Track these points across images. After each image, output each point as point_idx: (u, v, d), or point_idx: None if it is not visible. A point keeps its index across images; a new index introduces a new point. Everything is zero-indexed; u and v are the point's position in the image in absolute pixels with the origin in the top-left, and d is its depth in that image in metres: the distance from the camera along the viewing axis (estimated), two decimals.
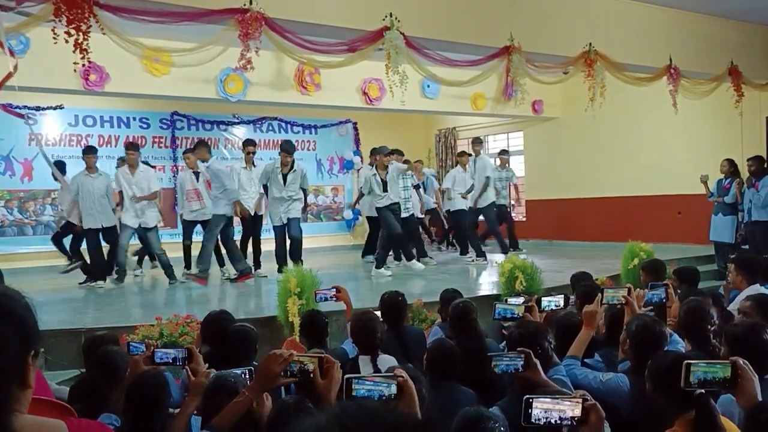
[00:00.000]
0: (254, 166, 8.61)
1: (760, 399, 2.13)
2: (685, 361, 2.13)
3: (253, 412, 2.24)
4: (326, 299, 4.59)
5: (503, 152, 10.65)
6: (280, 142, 8.67)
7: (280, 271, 7.54)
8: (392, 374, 1.95)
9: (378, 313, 3.95)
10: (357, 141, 13.55)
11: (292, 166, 8.08)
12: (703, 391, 2.14)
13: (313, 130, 13.06)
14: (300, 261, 7.15)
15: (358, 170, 13.54)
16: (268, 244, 8.61)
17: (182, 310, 5.86)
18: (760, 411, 2.00)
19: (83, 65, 4.99)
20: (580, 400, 2.04)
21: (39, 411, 1.20)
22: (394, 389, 1.91)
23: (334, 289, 4.59)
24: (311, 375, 2.20)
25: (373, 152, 9.02)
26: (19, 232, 10.24)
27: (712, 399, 2.20)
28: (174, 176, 11.13)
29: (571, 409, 2.03)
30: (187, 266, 8.54)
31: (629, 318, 3.25)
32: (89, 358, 3.47)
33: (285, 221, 8.06)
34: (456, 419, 2.16)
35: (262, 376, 2.22)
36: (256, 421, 2.26)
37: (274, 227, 8.19)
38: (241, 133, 12.34)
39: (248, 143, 8.65)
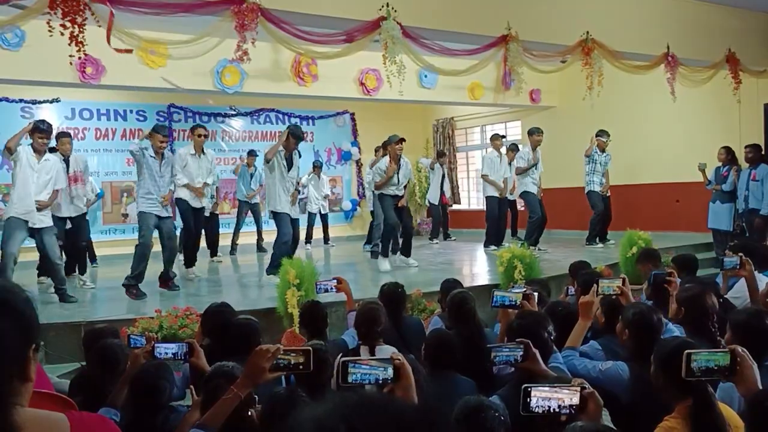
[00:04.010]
0: (203, 153, 7.93)
1: (760, 386, 2.14)
2: (686, 351, 2.13)
3: (243, 410, 2.22)
4: (327, 290, 4.58)
5: (512, 145, 10.57)
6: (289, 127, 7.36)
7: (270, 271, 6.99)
8: (389, 358, 1.96)
9: None
10: (355, 132, 13.53)
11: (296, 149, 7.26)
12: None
13: (310, 121, 13.03)
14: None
15: (357, 161, 13.53)
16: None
17: (181, 302, 5.87)
18: (762, 398, 2.01)
19: (79, 58, 4.97)
20: (579, 389, 2.05)
21: (40, 404, 1.20)
22: (390, 372, 1.91)
23: (335, 280, 4.58)
24: (300, 368, 2.20)
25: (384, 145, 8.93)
26: None
27: (710, 386, 2.21)
28: None
29: (569, 397, 2.04)
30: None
31: (624, 308, 3.26)
32: (89, 351, 3.47)
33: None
34: (457, 408, 2.17)
35: (250, 372, 2.19)
36: (246, 418, 2.25)
37: (283, 215, 7.08)
38: (238, 124, 12.32)
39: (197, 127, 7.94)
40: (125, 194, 11.15)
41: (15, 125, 10.15)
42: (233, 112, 12.07)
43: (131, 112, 11.28)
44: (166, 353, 2.80)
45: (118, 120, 11.18)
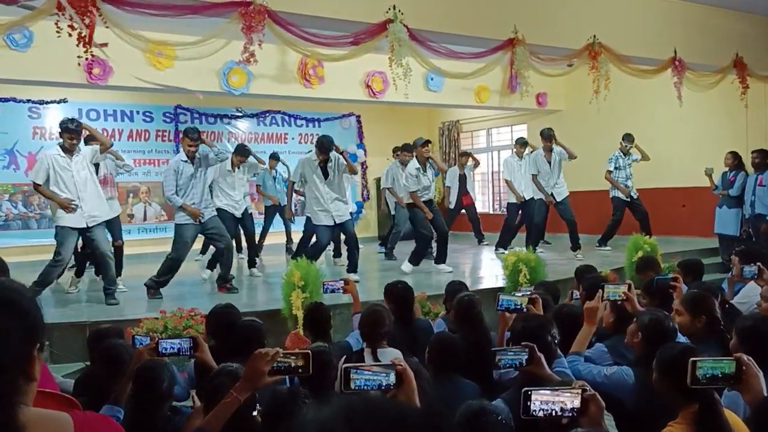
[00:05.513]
0: (238, 168, 8.15)
1: (766, 394, 2.12)
2: (691, 359, 2.11)
3: (243, 413, 2.22)
4: (334, 291, 4.57)
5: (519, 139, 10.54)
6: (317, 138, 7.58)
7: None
8: (391, 363, 1.95)
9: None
10: (360, 134, 13.54)
11: (328, 158, 7.33)
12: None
13: (316, 123, 13.05)
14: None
15: (362, 163, 13.53)
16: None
17: (186, 303, 5.87)
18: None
19: (86, 59, 5.00)
20: (580, 391, 2.03)
21: (44, 404, 1.20)
22: (393, 378, 1.91)
23: (342, 281, 4.57)
24: (300, 371, 2.20)
25: (406, 148, 8.73)
26: (24, 226, 10.28)
27: (716, 392, 2.20)
28: None
29: (570, 400, 2.03)
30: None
31: (638, 312, 3.24)
32: (94, 351, 3.48)
33: (334, 222, 7.32)
34: (458, 412, 2.16)
35: (249, 375, 2.18)
36: (247, 421, 2.25)
37: (319, 227, 7.33)
38: (244, 126, 12.34)
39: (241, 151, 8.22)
40: (131, 195, 11.18)
41: (22, 125, 10.27)
42: (239, 114, 12.10)
43: (138, 113, 11.31)
44: (171, 348, 2.80)
45: (124, 121, 11.22)
